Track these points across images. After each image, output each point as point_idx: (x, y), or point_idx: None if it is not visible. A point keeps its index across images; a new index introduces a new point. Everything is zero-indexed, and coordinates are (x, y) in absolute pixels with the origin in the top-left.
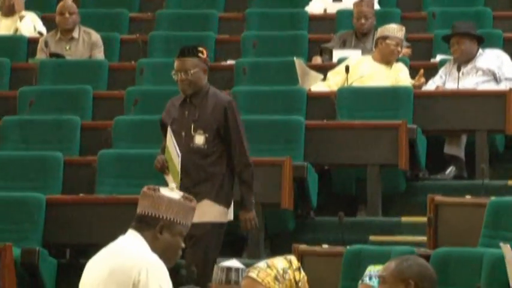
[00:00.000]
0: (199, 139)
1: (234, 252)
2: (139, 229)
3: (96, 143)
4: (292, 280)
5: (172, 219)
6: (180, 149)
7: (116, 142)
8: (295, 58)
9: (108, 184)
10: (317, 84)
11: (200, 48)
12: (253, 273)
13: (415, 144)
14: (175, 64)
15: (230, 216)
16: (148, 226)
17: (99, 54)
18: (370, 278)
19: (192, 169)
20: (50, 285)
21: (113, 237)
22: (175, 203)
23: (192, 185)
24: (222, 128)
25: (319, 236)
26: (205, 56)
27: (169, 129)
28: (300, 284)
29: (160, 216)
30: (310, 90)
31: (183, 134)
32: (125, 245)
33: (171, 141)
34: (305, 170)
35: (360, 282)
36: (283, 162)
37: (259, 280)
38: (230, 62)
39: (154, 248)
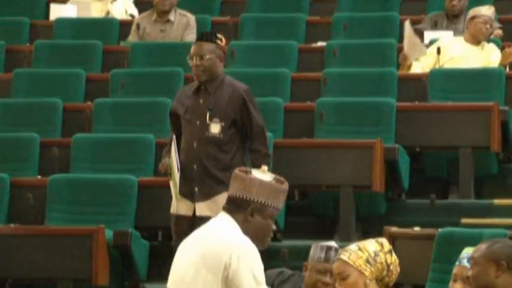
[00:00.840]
0: (215, 128)
1: (325, 235)
2: (231, 211)
3: None
4: (384, 263)
5: (263, 202)
6: (194, 139)
7: None
8: (406, 22)
9: None
10: (413, 65)
11: (219, 35)
12: (344, 256)
13: (508, 126)
14: (192, 48)
15: None
16: (239, 209)
17: (190, 36)
18: (468, 260)
19: (207, 160)
20: (142, 267)
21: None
22: (267, 186)
23: (208, 176)
24: (240, 117)
25: (410, 218)
26: (223, 43)
27: (173, 142)
28: (391, 267)
29: (252, 199)
30: (410, 64)
31: (198, 123)
32: (217, 227)
33: (174, 155)
34: (396, 152)
35: (457, 263)
36: (374, 145)
37: (351, 262)
38: (321, 43)
39: (246, 231)
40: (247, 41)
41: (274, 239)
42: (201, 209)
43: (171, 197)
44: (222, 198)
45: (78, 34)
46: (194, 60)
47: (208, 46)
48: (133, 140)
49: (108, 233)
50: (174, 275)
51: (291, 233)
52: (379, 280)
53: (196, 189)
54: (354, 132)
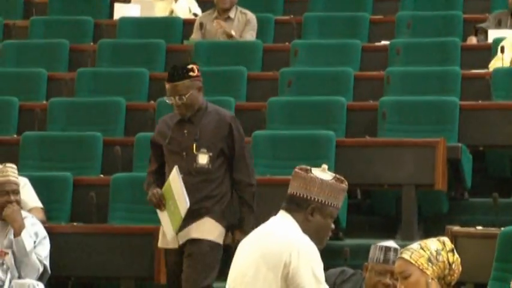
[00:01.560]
0: (203, 158)
1: (387, 234)
2: (290, 210)
3: (250, 124)
4: (446, 262)
5: (323, 201)
6: (181, 170)
7: (270, 123)
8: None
9: (263, 165)
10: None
11: (189, 67)
12: (406, 255)
13: None
14: (167, 88)
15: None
16: (299, 208)
17: (249, 33)
18: None
19: (194, 190)
20: None
21: (265, 218)
22: (327, 185)
23: (193, 203)
24: (226, 146)
25: (473, 217)
26: (196, 73)
27: (176, 169)
28: (453, 266)
29: (312, 198)
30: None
31: (184, 154)
32: (277, 226)
33: (178, 184)
34: (459, 151)
35: None
36: (438, 144)
37: (413, 261)
38: (384, 42)
39: (305, 230)
40: (310, 40)
41: (336, 237)
42: (181, 237)
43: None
44: (202, 222)
45: (141, 33)
46: (173, 100)
47: (183, 84)
48: None
49: None
50: (234, 273)
51: (352, 231)
52: (441, 279)
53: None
54: (416, 131)
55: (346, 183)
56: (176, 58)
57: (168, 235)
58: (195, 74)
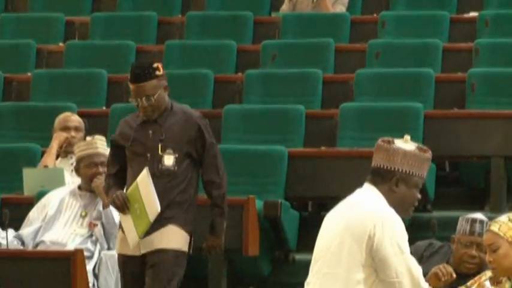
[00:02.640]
0: (169, 160)
1: (476, 206)
2: (375, 182)
3: (337, 96)
4: None
5: (407, 171)
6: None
7: (358, 95)
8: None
9: (349, 137)
10: None
11: (155, 65)
12: (494, 227)
13: None
14: (132, 89)
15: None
16: (383, 179)
17: (339, 7)
18: None
19: (159, 194)
20: (291, 237)
21: (351, 190)
22: (411, 155)
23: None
24: (194, 147)
25: None
26: (162, 71)
27: (146, 170)
28: None
29: (396, 169)
30: None
31: (149, 155)
32: (362, 198)
33: (148, 187)
34: None
35: None
36: None
37: (501, 234)
38: (473, 14)
39: (390, 201)
40: (398, 12)
41: (424, 210)
42: (145, 246)
43: (322, 168)
44: (166, 230)
45: (229, 5)
46: (140, 102)
47: (150, 84)
48: (284, 111)
49: (259, 204)
50: (320, 245)
51: (440, 204)
52: None
53: None
54: (505, 103)
55: (430, 152)
56: (264, 30)
57: (130, 241)
58: (160, 73)
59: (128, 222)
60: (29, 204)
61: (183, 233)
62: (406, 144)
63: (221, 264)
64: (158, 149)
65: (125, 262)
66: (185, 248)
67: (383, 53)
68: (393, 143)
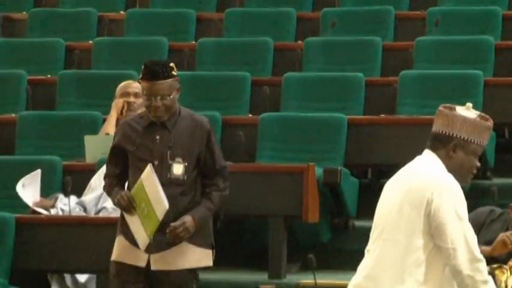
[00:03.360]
0: (178, 169)
1: None
2: (434, 148)
3: (397, 63)
4: None
5: (466, 138)
6: None
7: (417, 63)
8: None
9: (409, 105)
10: None
11: (171, 65)
12: None
13: None
14: (146, 87)
15: (210, 261)
16: (442, 144)
17: None
18: None
19: (168, 203)
20: (351, 204)
21: (411, 157)
22: (470, 122)
23: (167, 222)
24: (203, 156)
25: None
26: (176, 72)
27: (150, 167)
28: None
29: (454, 135)
30: None
31: (156, 163)
32: (421, 165)
33: (153, 183)
34: None
35: None
36: None
37: None
38: None
39: (448, 167)
40: None
41: (484, 177)
42: (156, 262)
43: (382, 135)
44: (179, 250)
45: None
46: (154, 101)
47: (166, 83)
48: (344, 78)
49: (318, 171)
50: (380, 212)
51: (501, 171)
52: None
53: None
54: None
55: (492, 121)
56: None
57: (141, 242)
58: (176, 74)
59: (135, 223)
60: (90, 171)
61: (202, 249)
62: (467, 111)
63: (281, 231)
64: (167, 157)
65: (123, 271)
66: (201, 264)
67: (443, 21)
68: (454, 109)
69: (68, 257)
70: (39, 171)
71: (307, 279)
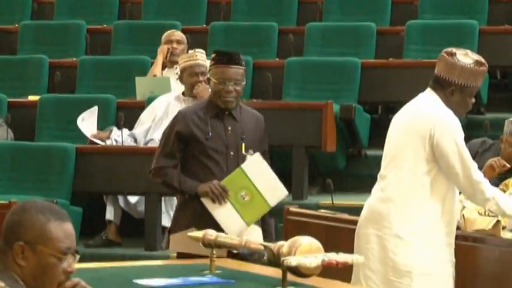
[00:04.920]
0: None
1: None
2: (435, 89)
3: (404, 14)
4: None
5: (463, 83)
6: (227, 171)
7: (422, 14)
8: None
9: (414, 50)
10: None
11: (241, 55)
12: None
13: None
14: (220, 71)
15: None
16: (441, 88)
17: None
18: None
19: None
20: (363, 136)
21: (415, 95)
22: (467, 70)
23: None
24: (258, 149)
25: None
26: None
27: (258, 155)
28: None
29: (452, 81)
30: None
31: (232, 153)
32: (423, 101)
33: (266, 172)
34: None
35: None
36: None
37: None
38: None
39: (447, 105)
40: None
41: (478, 112)
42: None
43: (390, 76)
44: (251, 230)
45: None
46: (226, 85)
47: (240, 70)
48: (357, 28)
49: (335, 107)
50: (389, 143)
51: (492, 106)
52: None
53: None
54: None
55: (486, 65)
56: None
57: (232, 230)
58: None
59: (225, 211)
60: (140, 107)
61: (259, 228)
62: (465, 57)
63: (303, 159)
64: (241, 148)
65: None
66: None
67: None
68: (455, 55)
69: (121, 181)
70: (96, 107)
71: (325, 200)
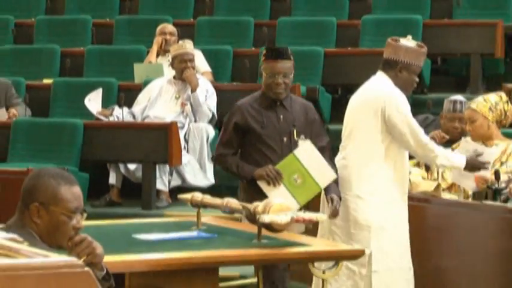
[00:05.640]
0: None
1: (460, 90)
2: (385, 70)
3: (360, 10)
4: (502, 110)
5: (408, 61)
6: (281, 157)
7: (375, 10)
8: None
9: (369, 40)
10: None
11: (290, 50)
12: (473, 105)
13: None
14: (270, 66)
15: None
16: (391, 67)
17: None
18: None
19: None
20: (326, 113)
21: (369, 78)
22: (411, 50)
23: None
24: (310, 130)
25: None
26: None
27: (308, 141)
28: (507, 113)
29: (399, 60)
30: None
31: (285, 139)
32: (375, 82)
33: (316, 156)
34: None
35: None
36: (496, 25)
37: (478, 110)
38: None
39: (396, 83)
40: None
41: (422, 93)
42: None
43: (349, 62)
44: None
45: None
46: (276, 78)
47: (289, 63)
48: (321, 22)
49: (302, 89)
50: (348, 118)
51: (434, 88)
52: (498, 122)
53: None
54: (485, 14)
55: (426, 48)
56: None
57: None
58: (292, 59)
59: (279, 193)
60: (138, 89)
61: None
62: (408, 41)
63: None
64: (293, 134)
65: None
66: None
67: None
68: (399, 40)
69: (122, 151)
70: (100, 89)
71: None
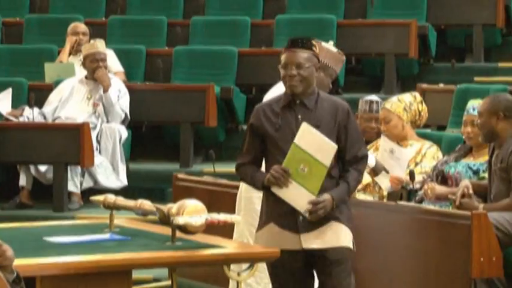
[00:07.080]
0: None
1: (374, 89)
2: None
3: (274, 10)
4: (416, 110)
5: (327, 63)
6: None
7: (289, 9)
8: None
9: (283, 40)
10: None
11: (313, 40)
12: (388, 105)
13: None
14: (285, 57)
15: (351, 244)
16: None
17: None
18: (474, 110)
19: None
20: (240, 113)
21: None
22: (331, 54)
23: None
24: (340, 139)
25: (436, 77)
26: (317, 51)
27: (305, 124)
28: (422, 113)
29: (319, 60)
30: None
31: None
32: None
33: (313, 134)
34: (427, 29)
35: (465, 113)
36: (410, 24)
37: (392, 110)
38: None
39: None
40: None
41: (336, 92)
42: (308, 240)
43: (263, 62)
44: (329, 228)
45: None
46: (289, 69)
47: (304, 54)
48: (235, 22)
49: (217, 89)
50: None
51: (349, 88)
52: (412, 123)
53: (300, 218)
54: (398, 14)
55: (344, 57)
56: None
57: (301, 206)
58: (316, 51)
59: (291, 191)
60: (49, 89)
61: (348, 230)
62: (330, 46)
63: (189, 133)
64: None
65: (286, 259)
66: (351, 245)
67: None
68: (321, 43)
69: (32, 153)
70: (10, 89)
71: (208, 168)
